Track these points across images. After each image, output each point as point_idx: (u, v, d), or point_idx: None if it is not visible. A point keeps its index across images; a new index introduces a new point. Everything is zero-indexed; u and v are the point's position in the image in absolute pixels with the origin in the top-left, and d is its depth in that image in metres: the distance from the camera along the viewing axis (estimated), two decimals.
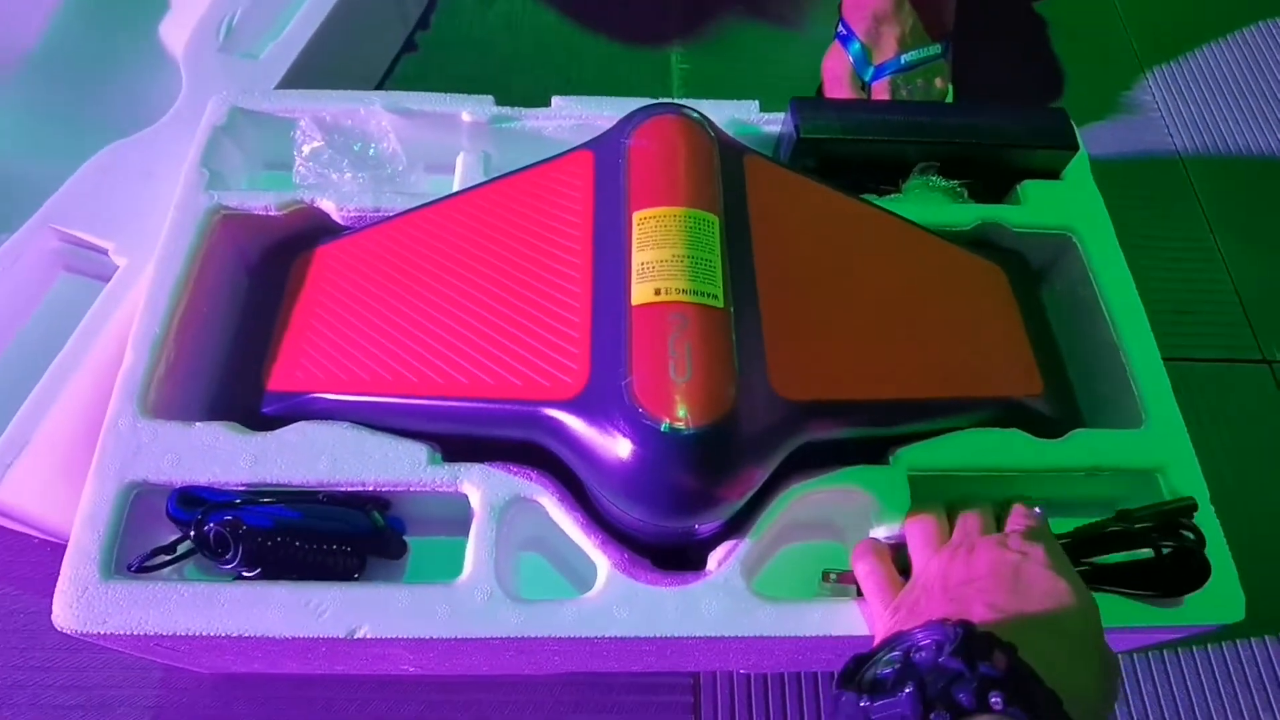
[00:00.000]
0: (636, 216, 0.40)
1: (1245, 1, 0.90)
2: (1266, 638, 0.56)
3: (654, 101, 0.45)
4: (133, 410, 0.43)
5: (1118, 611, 0.41)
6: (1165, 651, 0.55)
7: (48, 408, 0.47)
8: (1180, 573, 0.40)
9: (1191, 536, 0.40)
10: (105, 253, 0.53)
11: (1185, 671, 0.55)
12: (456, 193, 0.47)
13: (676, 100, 0.52)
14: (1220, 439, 0.64)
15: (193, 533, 0.38)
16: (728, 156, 0.43)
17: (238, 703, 0.51)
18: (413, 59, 0.77)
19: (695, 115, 0.43)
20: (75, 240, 0.54)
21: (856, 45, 0.73)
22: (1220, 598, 0.41)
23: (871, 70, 0.72)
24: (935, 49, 0.74)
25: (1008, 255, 0.53)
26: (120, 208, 0.54)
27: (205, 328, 0.48)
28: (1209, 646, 0.56)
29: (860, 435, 0.42)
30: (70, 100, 0.67)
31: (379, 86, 0.75)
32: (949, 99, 0.75)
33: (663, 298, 0.37)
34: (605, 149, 0.44)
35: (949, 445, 0.44)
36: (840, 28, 0.75)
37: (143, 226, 0.53)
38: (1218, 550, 0.43)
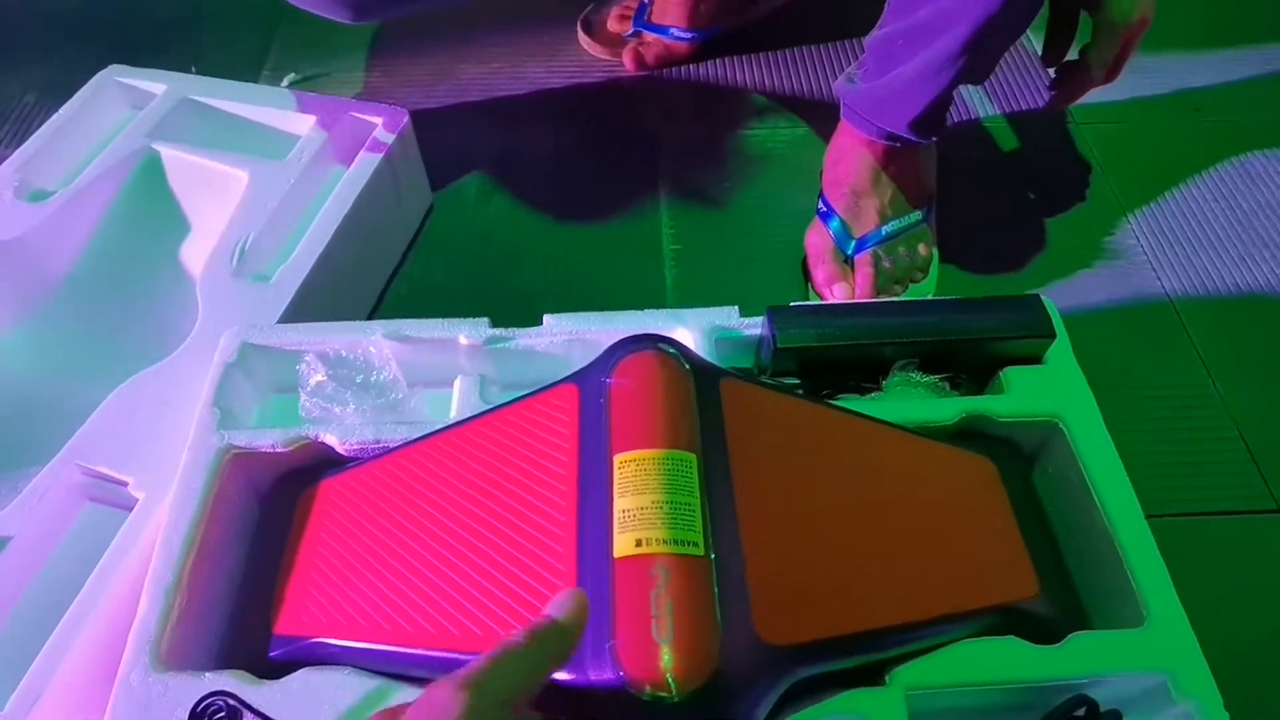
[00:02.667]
0: (617, 460, 0.41)
1: (1217, 140, 0.93)
2: None
3: (632, 335, 0.47)
4: (144, 663, 0.44)
5: None
6: None
7: (64, 653, 0.48)
8: None
9: None
10: (125, 485, 0.55)
11: None
12: (447, 426, 0.49)
13: (658, 327, 0.55)
14: (1238, 594, 0.63)
15: None
16: (704, 385, 0.45)
17: None
18: (419, 255, 0.81)
19: (671, 350, 0.45)
20: (98, 474, 0.56)
21: (836, 221, 0.76)
22: None
23: (853, 244, 0.75)
24: (916, 216, 0.77)
25: (997, 443, 0.54)
26: (139, 440, 0.57)
27: (217, 568, 0.50)
28: None
29: (853, 665, 0.42)
30: (101, 324, 0.71)
31: (387, 283, 0.79)
32: (934, 262, 0.78)
33: (644, 549, 0.38)
34: (588, 384, 0.46)
35: (945, 660, 0.43)
36: (820, 204, 0.78)
37: (160, 458, 0.55)
38: None
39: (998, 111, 0.97)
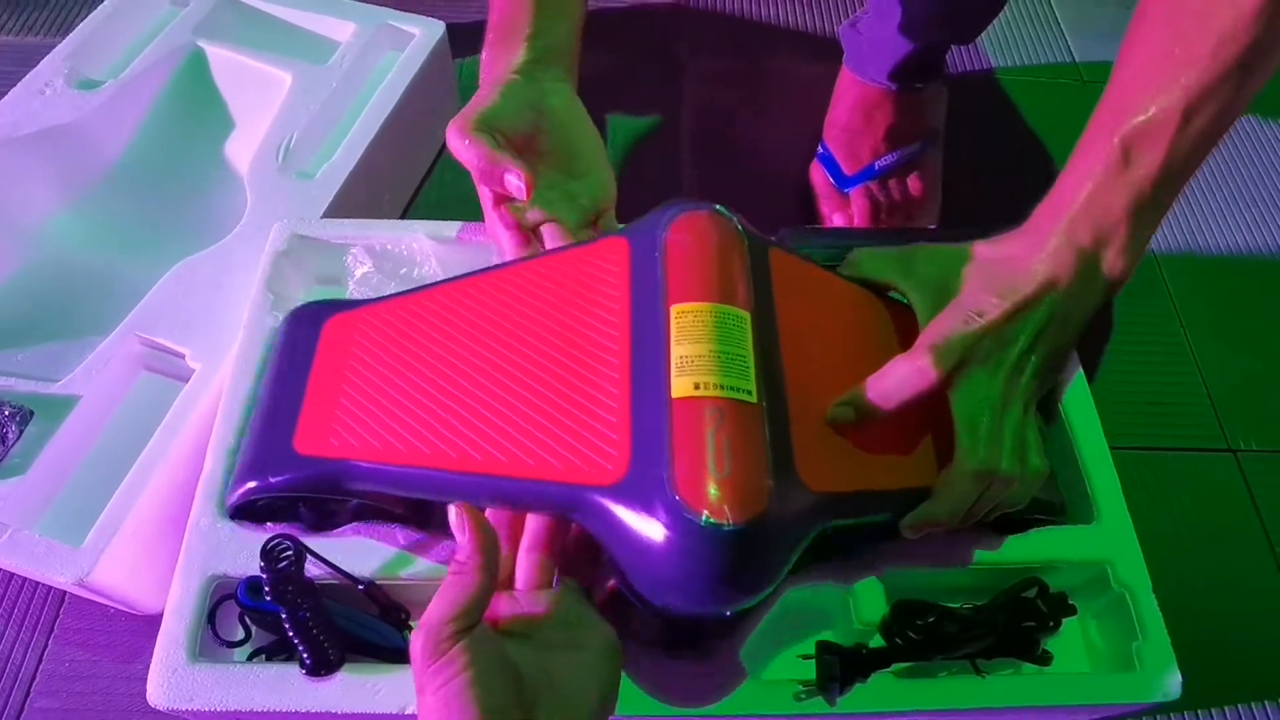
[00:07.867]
0: (674, 310, 0.42)
1: None
2: (1203, 711, 0.61)
3: (687, 200, 0.48)
4: (212, 511, 0.50)
5: (1058, 690, 0.47)
6: None
7: (135, 498, 0.53)
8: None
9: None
10: (183, 357, 0.60)
11: None
12: (493, 267, 0.51)
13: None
14: (1185, 523, 0.70)
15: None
16: (755, 251, 0.46)
17: None
18: (446, 165, 0.85)
19: (726, 212, 0.47)
20: (156, 345, 0.61)
21: (831, 160, 0.80)
22: (1157, 679, 0.47)
23: (846, 180, 0.79)
24: (909, 150, 0.80)
25: None
26: (194, 316, 0.61)
27: None
28: None
29: (871, 522, 0.45)
30: (150, 210, 0.75)
31: (418, 189, 0.83)
32: (937, 195, 0.81)
33: (701, 392, 0.39)
34: (640, 238, 0.46)
35: (921, 544, 0.50)
36: (820, 146, 0.82)
37: (214, 334, 0.60)
38: (1156, 633, 0.48)
39: (1011, 64, 1.00)
